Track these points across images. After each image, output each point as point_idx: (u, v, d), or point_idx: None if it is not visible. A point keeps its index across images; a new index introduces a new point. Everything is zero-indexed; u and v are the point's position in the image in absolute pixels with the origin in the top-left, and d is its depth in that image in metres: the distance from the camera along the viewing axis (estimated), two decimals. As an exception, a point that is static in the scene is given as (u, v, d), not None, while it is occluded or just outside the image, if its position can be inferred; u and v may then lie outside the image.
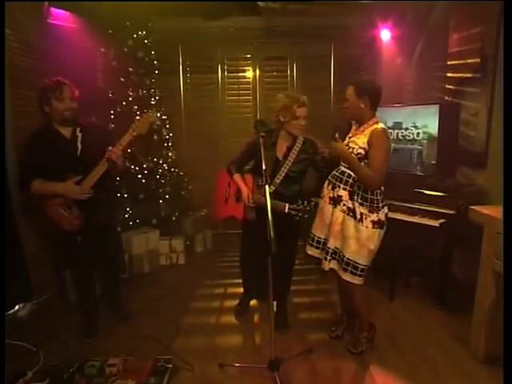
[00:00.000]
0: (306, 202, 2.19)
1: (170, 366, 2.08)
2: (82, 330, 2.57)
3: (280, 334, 2.46)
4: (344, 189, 2.13)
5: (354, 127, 2.22)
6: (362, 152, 2.07)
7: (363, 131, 2.11)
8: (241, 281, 2.92)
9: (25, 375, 1.99)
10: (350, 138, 2.20)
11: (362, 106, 2.08)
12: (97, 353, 2.23)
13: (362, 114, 2.12)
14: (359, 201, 2.10)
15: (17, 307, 2.77)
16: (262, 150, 2.06)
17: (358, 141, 2.10)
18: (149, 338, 2.47)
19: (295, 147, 2.39)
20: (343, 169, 2.17)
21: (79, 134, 2.41)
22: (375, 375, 2.16)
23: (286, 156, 2.39)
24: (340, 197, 2.14)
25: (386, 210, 2.16)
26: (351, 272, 2.13)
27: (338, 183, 2.17)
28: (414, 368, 2.21)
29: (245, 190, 2.38)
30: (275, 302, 2.55)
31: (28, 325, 2.67)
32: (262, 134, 2.14)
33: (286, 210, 2.22)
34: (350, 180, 2.13)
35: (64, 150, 2.38)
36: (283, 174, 2.36)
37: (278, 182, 2.37)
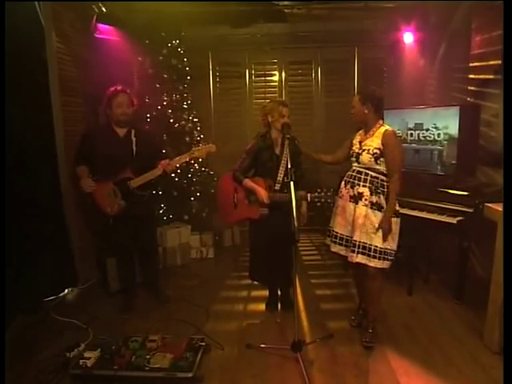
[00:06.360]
0: (325, 190, 2.38)
1: (203, 344, 2.32)
2: (120, 307, 2.93)
3: (293, 318, 2.50)
4: (364, 186, 2.35)
5: (361, 131, 2.45)
6: (378, 152, 2.31)
7: (373, 134, 2.35)
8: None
9: (78, 346, 2.31)
10: (360, 142, 2.41)
11: (366, 111, 2.33)
12: (137, 332, 2.49)
13: (366, 119, 2.36)
14: (378, 195, 2.32)
15: (66, 291, 3.11)
16: (288, 150, 2.28)
17: (372, 143, 2.33)
18: (182, 320, 2.73)
19: (285, 142, 2.66)
20: (359, 169, 2.39)
21: (134, 139, 2.76)
22: (391, 360, 2.31)
23: (281, 151, 2.67)
24: (361, 193, 2.34)
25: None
26: (384, 258, 2.31)
27: (357, 182, 2.38)
28: (428, 355, 2.34)
29: (261, 191, 2.59)
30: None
31: (76, 306, 3.00)
32: (288, 136, 2.39)
33: (309, 199, 2.40)
34: (369, 178, 2.35)
35: (117, 147, 2.74)
36: (285, 166, 2.62)
37: (281, 174, 2.64)
